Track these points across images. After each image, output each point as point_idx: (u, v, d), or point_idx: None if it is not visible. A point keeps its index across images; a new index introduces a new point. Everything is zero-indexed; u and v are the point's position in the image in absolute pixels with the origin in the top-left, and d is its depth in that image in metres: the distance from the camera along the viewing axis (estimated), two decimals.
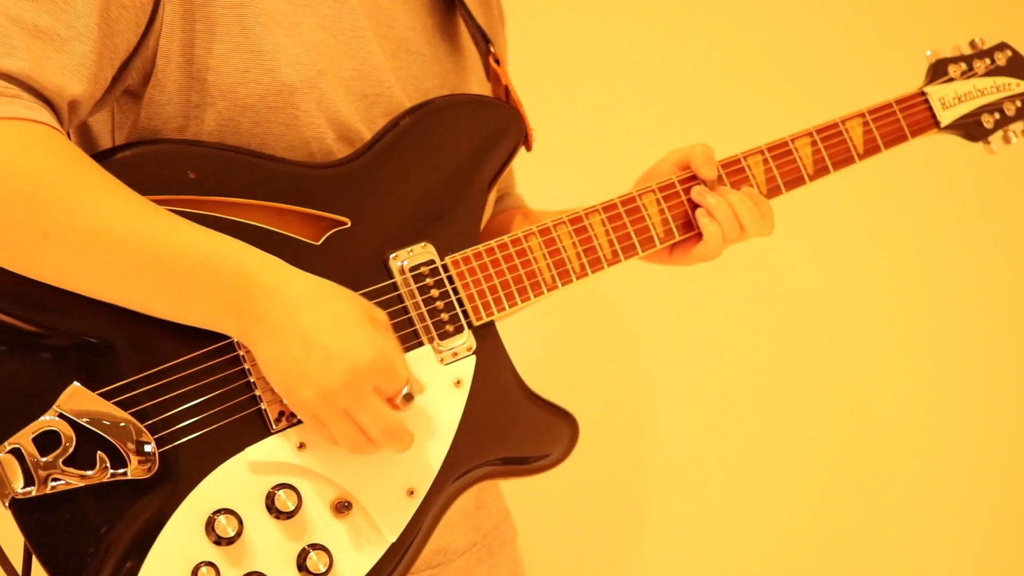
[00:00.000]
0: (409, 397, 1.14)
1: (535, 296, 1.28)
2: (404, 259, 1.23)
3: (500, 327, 1.27)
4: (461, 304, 1.24)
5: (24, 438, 1.09)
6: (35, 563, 1.13)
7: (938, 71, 1.49)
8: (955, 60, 1.50)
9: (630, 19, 2.13)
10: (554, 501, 2.02)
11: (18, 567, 1.18)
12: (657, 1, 2.16)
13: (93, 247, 1.07)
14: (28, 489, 1.09)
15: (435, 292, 1.23)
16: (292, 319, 1.10)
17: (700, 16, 2.18)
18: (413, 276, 1.22)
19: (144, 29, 1.17)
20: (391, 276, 1.22)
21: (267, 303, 1.10)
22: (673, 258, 1.38)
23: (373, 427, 1.13)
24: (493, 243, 1.27)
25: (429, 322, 1.22)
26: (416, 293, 1.22)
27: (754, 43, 2.20)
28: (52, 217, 1.05)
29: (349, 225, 1.21)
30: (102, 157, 1.15)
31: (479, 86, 1.40)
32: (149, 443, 1.12)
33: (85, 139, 1.30)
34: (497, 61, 1.37)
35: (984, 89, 1.50)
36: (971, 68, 1.50)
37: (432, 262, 1.24)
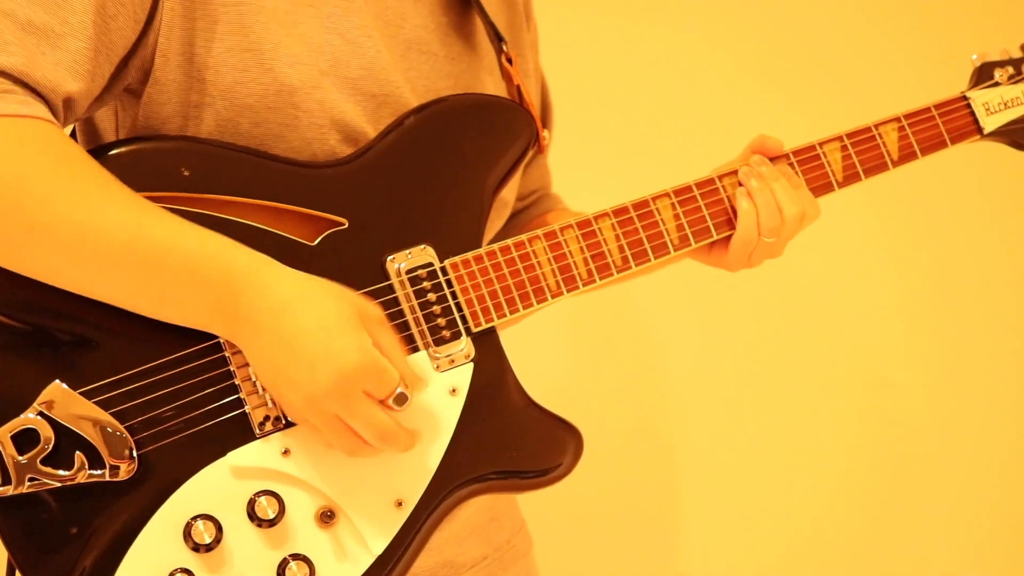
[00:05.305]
0: (402, 398, 1.09)
1: (538, 302, 1.22)
2: (401, 261, 1.19)
3: (504, 335, 1.22)
4: (460, 309, 1.19)
5: (2, 436, 1.06)
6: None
7: (983, 75, 1.41)
8: (1002, 64, 1.41)
9: (649, 19, 2.10)
10: (571, 510, 1.99)
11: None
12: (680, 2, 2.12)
13: (79, 243, 1.05)
14: (4, 488, 1.07)
15: (432, 296, 1.19)
16: (276, 324, 1.07)
17: (724, 17, 2.13)
18: (410, 279, 1.18)
19: (143, 26, 1.15)
20: (387, 278, 1.18)
21: (252, 306, 1.07)
22: (712, 256, 1.32)
23: (366, 431, 1.10)
24: (495, 246, 1.22)
25: (425, 326, 1.18)
26: (412, 296, 1.18)
27: (776, 44, 2.15)
28: (38, 212, 1.05)
29: (346, 226, 1.18)
30: (96, 153, 1.13)
31: (495, 86, 1.35)
32: (129, 444, 1.09)
33: (90, 137, 1.28)
34: (510, 60, 1.33)
35: None
36: (1019, 72, 1.41)
37: (431, 265, 1.19)
